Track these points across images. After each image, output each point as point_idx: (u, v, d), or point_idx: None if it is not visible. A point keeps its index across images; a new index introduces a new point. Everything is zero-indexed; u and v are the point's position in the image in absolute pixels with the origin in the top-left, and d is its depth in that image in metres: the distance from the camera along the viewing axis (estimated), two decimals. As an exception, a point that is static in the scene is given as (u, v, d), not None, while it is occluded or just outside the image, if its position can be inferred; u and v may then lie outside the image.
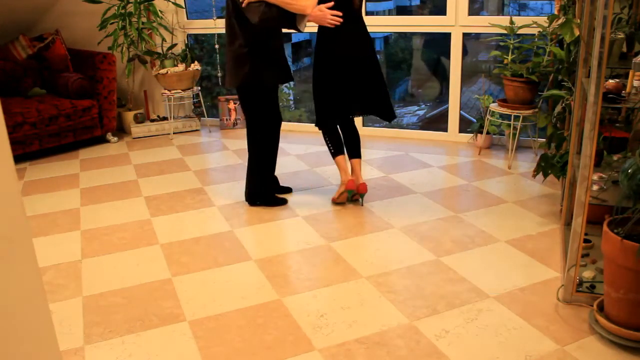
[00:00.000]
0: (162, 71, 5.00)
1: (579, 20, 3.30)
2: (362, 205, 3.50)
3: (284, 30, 3.40)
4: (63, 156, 4.76)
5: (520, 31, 4.03)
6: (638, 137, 2.81)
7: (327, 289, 2.59)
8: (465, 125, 4.80)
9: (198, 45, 5.92)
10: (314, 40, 3.49)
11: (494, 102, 4.32)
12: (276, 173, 3.69)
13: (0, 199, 0.84)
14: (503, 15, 5.23)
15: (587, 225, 2.35)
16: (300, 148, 4.71)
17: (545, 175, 3.29)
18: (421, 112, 6.94)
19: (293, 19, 3.15)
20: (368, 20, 4.77)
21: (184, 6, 5.32)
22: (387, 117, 3.46)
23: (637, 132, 2.83)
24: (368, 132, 5.05)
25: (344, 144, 3.52)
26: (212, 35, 5.45)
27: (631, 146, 2.80)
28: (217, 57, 5.48)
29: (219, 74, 5.54)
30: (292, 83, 6.45)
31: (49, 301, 2.55)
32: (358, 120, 5.04)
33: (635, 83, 2.38)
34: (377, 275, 2.69)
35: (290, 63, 4.92)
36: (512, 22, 4.04)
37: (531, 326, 2.26)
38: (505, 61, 4.09)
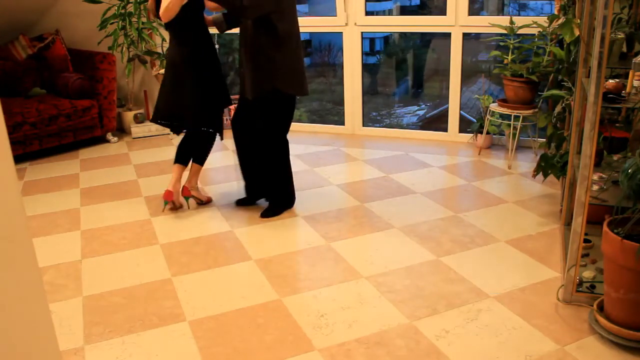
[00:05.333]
0: (162, 71, 5.00)
1: (579, 20, 3.29)
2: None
3: None
4: (63, 156, 4.76)
5: (520, 31, 4.03)
6: (638, 137, 2.81)
7: (327, 289, 2.59)
8: (465, 125, 4.80)
9: (198, 45, 5.90)
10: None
11: (494, 102, 4.32)
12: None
13: (0, 199, 0.84)
14: (503, 15, 5.23)
15: (587, 225, 2.35)
16: (300, 148, 4.70)
17: (545, 175, 3.29)
18: (421, 112, 6.94)
19: None
20: (368, 20, 4.80)
21: (184, 6, 5.31)
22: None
23: (637, 132, 2.83)
24: (368, 132, 5.05)
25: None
26: (212, 35, 5.42)
27: (631, 146, 2.80)
28: (217, 57, 5.46)
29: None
30: None
31: (49, 301, 2.55)
32: (357, 120, 5.04)
33: (635, 83, 2.38)
34: (377, 275, 2.69)
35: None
36: (512, 22, 4.04)
37: (531, 326, 2.26)
38: (505, 61, 4.09)
